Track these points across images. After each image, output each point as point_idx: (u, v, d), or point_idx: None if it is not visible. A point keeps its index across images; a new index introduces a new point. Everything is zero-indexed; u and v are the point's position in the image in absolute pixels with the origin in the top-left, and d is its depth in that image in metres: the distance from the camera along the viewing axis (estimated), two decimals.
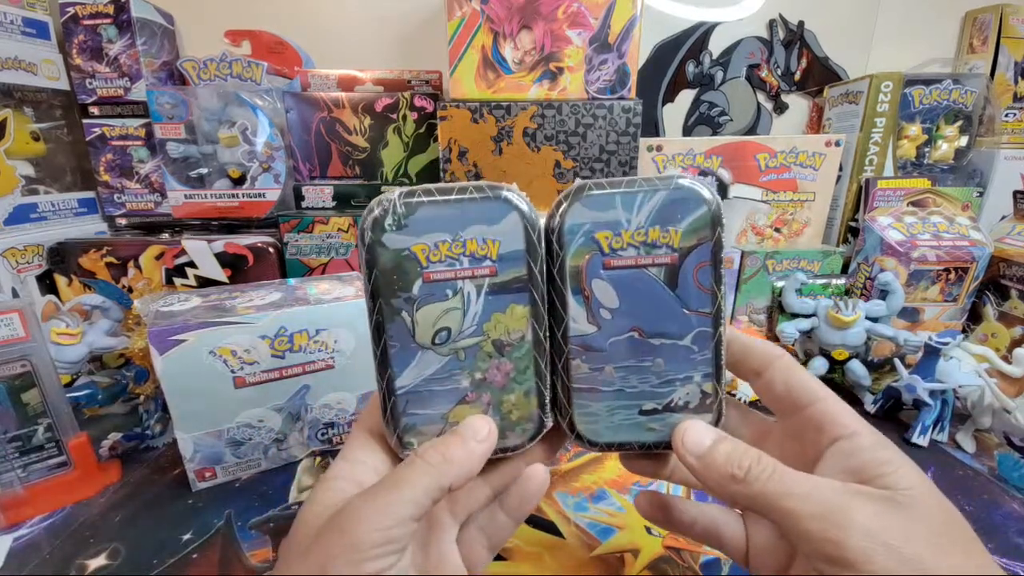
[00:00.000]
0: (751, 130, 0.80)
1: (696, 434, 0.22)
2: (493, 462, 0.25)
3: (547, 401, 0.25)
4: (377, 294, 0.22)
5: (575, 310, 0.23)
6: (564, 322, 0.23)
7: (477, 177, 0.59)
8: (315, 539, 0.19)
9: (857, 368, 0.52)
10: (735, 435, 0.24)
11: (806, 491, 0.19)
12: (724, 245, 0.22)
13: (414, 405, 0.23)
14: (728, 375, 0.24)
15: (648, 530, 0.37)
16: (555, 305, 0.23)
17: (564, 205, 0.23)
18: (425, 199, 0.21)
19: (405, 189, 0.21)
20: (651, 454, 0.25)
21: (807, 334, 0.55)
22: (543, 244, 0.23)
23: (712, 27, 0.75)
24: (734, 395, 0.48)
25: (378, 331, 0.22)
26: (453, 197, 0.22)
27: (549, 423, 0.25)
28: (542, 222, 0.23)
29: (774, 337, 0.59)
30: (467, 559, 0.25)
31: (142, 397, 0.48)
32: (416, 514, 0.20)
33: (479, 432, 0.22)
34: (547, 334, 0.24)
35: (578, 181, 0.23)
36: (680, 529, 0.28)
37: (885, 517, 0.18)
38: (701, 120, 0.79)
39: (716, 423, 0.23)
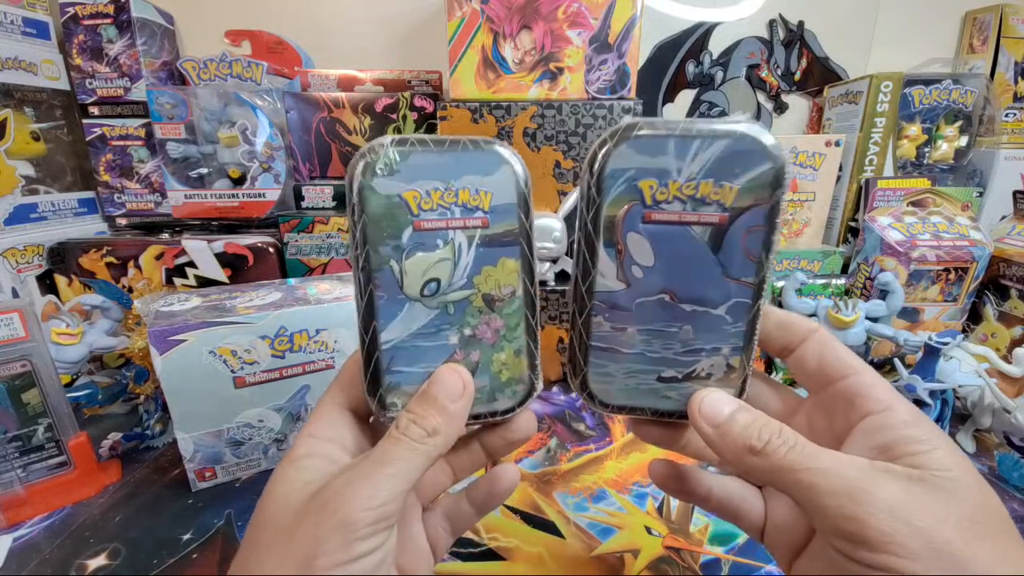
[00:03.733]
0: None
1: (714, 403, 0.21)
2: (479, 428, 0.25)
3: (537, 363, 0.24)
4: (365, 241, 0.20)
5: (605, 264, 0.21)
6: (591, 276, 0.22)
7: None
8: (298, 519, 0.18)
9: None
10: (762, 408, 0.22)
11: (827, 465, 0.18)
12: (783, 210, 0.20)
13: (399, 362, 0.22)
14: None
15: (648, 530, 0.37)
16: (584, 256, 0.22)
17: (608, 145, 0.20)
18: (418, 146, 0.21)
19: (397, 136, 0.21)
20: (664, 422, 0.24)
21: None
22: (532, 198, 0.22)
23: (712, 27, 0.75)
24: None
25: (364, 280, 0.21)
26: (447, 146, 0.21)
27: (540, 386, 0.24)
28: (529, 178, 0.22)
29: None
30: (430, 540, 0.25)
31: (142, 397, 0.48)
32: (407, 488, 0.19)
33: (453, 392, 0.21)
34: (538, 290, 0.23)
35: (626, 119, 0.21)
36: (694, 500, 0.27)
37: (913, 497, 0.17)
38: None
39: (738, 397, 0.22)
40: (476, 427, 0.25)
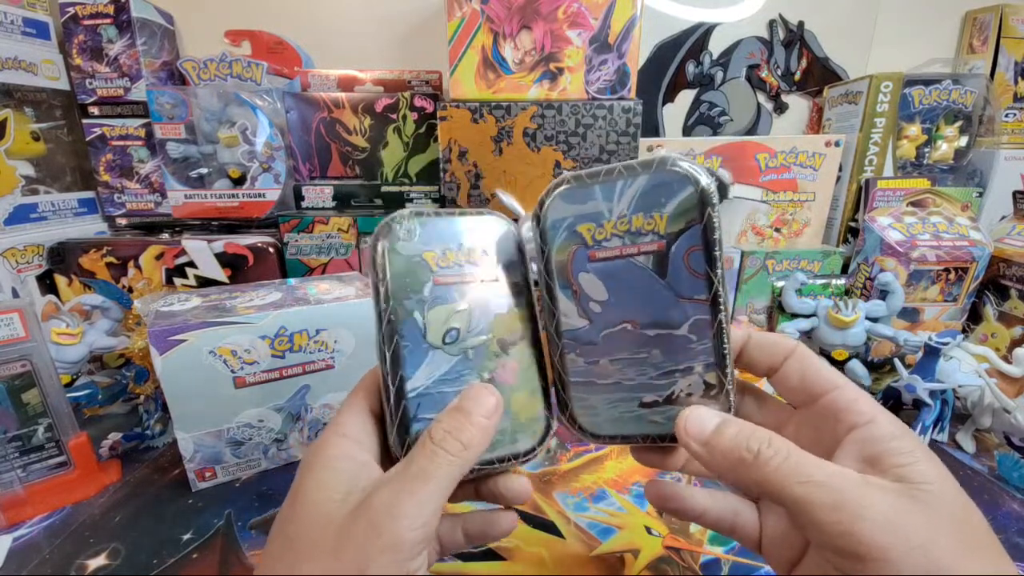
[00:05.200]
0: (751, 130, 0.80)
1: (698, 419, 0.21)
2: (483, 475, 0.25)
3: (552, 400, 0.25)
4: (390, 297, 0.23)
5: (565, 305, 0.24)
6: (556, 317, 0.24)
7: (477, 177, 0.59)
8: (344, 535, 0.18)
9: (857, 368, 0.52)
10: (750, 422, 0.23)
11: (822, 478, 0.18)
12: (718, 226, 0.21)
13: (425, 409, 0.23)
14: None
15: (648, 530, 0.37)
16: (546, 301, 0.24)
17: (546, 201, 0.23)
18: (433, 216, 0.24)
19: (415, 209, 0.24)
20: (658, 446, 0.24)
21: (807, 334, 0.55)
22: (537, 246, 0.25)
23: (712, 27, 0.75)
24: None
25: (390, 332, 0.23)
26: (457, 215, 0.24)
27: (555, 425, 0.25)
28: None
29: None
30: None
31: (142, 397, 0.48)
32: (445, 501, 0.20)
33: (486, 406, 0.22)
34: (544, 331, 0.25)
35: (562, 174, 0.23)
36: (691, 517, 0.27)
37: (904, 511, 0.17)
38: (701, 120, 0.79)
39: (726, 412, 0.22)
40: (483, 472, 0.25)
